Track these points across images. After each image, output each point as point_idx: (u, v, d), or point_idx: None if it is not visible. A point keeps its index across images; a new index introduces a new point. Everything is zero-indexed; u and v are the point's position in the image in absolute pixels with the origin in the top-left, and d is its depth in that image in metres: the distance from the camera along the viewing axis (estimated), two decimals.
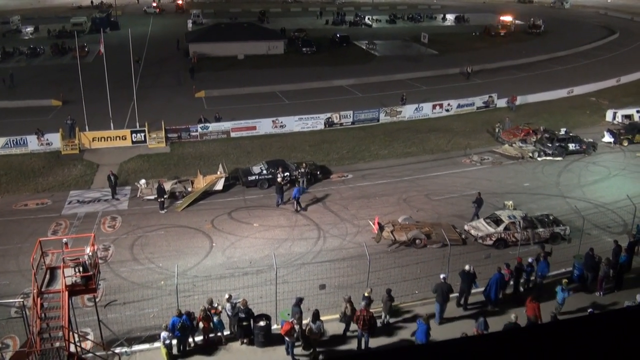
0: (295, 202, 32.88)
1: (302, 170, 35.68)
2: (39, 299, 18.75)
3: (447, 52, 78.26)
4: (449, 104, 51.76)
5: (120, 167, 39.37)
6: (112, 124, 44.23)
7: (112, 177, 34.11)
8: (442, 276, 22.96)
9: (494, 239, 28.77)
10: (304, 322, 21.42)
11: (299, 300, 21.65)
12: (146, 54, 74.57)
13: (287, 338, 20.69)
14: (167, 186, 33.93)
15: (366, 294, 22.08)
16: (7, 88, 57.91)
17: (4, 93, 56.15)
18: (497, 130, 45.16)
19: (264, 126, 46.25)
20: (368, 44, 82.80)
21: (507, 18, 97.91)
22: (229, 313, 21.70)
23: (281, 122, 46.61)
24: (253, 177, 35.84)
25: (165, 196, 32.96)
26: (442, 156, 41.71)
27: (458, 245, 28.26)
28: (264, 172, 35.87)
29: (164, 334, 20.21)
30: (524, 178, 37.76)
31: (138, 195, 34.32)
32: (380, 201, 34.16)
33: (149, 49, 78.13)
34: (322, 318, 21.18)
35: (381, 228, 29.23)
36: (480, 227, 29.38)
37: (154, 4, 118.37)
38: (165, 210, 32.79)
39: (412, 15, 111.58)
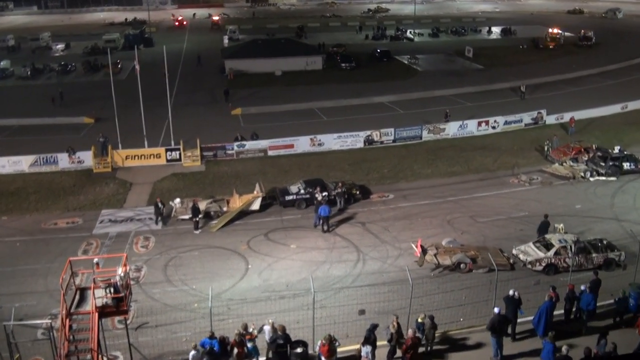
0: (321, 222, 32.94)
1: (339, 189, 35.59)
2: (67, 320, 18.95)
3: (493, 67, 77.68)
4: (495, 121, 51.18)
5: (154, 186, 39.92)
6: (145, 142, 44.97)
7: (160, 205, 33.92)
8: (496, 310, 22.28)
9: (543, 264, 28.12)
10: (355, 347, 21.40)
11: (374, 327, 21.48)
12: (181, 70, 75.84)
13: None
14: (202, 206, 34.21)
15: (420, 320, 21.89)
16: (58, 107, 59.44)
17: (54, 111, 57.53)
18: (546, 148, 44.40)
19: (302, 144, 46.47)
20: (410, 59, 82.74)
21: (556, 30, 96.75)
22: (268, 338, 21.56)
23: (319, 140, 46.75)
24: (290, 197, 35.90)
25: (200, 216, 33.22)
26: (488, 176, 41.16)
27: (506, 270, 27.69)
28: (302, 191, 35.90)
29: (192, 352, 20.20)
30: (576, 199, 36.91)
31: (172, 215, 34.67)
32: (423, 223, 33.82)
33: (184, 65, 79.48)
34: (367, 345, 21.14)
35: (424, 251, 28.90)
36: (530, 252, 28.78)
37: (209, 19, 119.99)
38: (199, 230, 33.03)
39: (456, 28, 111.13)
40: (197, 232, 32.89)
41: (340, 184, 36.09)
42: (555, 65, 78.36)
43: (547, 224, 30.88)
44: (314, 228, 33.27)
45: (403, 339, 21.46)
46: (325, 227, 32.89)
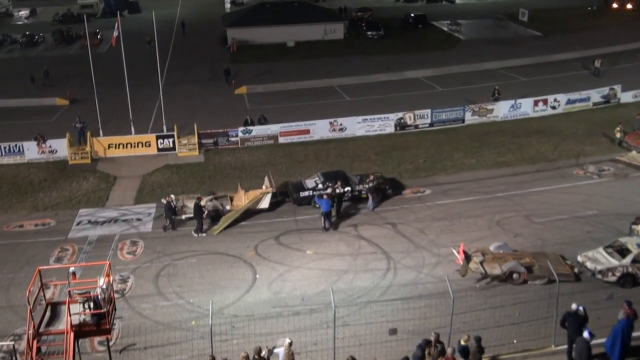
0: (322, 218, 33.16)
1: (370, 184, 35.54)
2: (35, 341, 18.97)
3: (553, 33, 77.09)
4: (555, 100, 50.80)
5: (143, 180, 40.12)
6: (132, 128, 45.26)
7: (173, 204, 33.48)
8: (586, 334, 21.59)
9: (618, 274, 27.72)
10: None
11: (425, 343, 21.44)
12: (174, 41, 76.11)
13: None
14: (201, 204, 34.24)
15: (463, 342, 21.79)
16: (42, 86, 60.10)
17: (20, 92, 57.99)
18: (619, 133, 43.92)
19: (320, 129, 46.53)
20: (450, 25, 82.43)
21: None
22: None
23: (341, 125, 46.76)
24: (306, 193, 35.90)
25: (203, 215, 33.26)
26: (547, 166, 40.86)
27: (569, 281, 27.38)
28: (320, 186, 35.88)
29: None
30: None
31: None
32: (467, 224, 33.65)
33: (177, 35, 79.74)
34: None
35: (468, 258, 28.69)
36: (600, 259, 28.44)
37: None
38: (204, 233, 33.12)
39: None
40: (201, 235, 32.98)
41: (371, 177, 35.99)
42: (632, 31, 77.17)
43: None
44: (332, 230, 33.30)
45: None
46: (327, 225, 33.11)
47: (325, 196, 33.49)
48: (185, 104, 52.66)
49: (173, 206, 33.46)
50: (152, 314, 26.50)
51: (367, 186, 35.59)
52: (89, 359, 22.08)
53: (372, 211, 35.11)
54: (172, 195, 34.59)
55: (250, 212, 34.87)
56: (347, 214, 34.76)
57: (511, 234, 32.30)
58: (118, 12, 61.67)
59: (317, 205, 34.04)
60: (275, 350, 21.77)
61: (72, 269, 21.55)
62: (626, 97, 52.56)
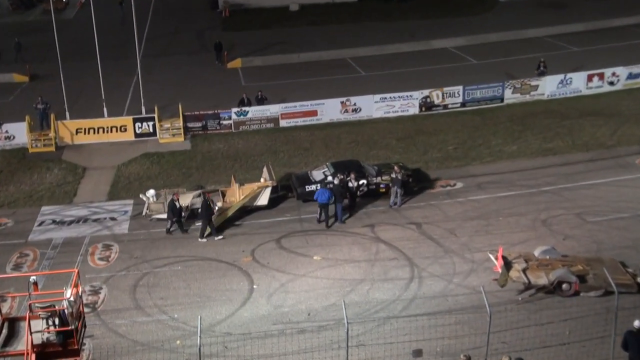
0: (319, 211, 33.43)
1: (396, 175, 35.19)
2: None
3: None
4: (614, 74, 50.69)
5: (118, 171, 40.22)
6: (105, 109, 45.28)
7: (178, 205, 33.30)
8: None
9: None
10: None
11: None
12: (154, 5, 76.05)
13: None
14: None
15: None
16: (13, 62, 60.14)
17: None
18: None
19: (329, 110, 46.55)
20: None
21: None
22: None
23: (354, 105, 46.78)
24: (312, 187, 35.76)
25: (183, 215, 33.31)
26: (604, 154, 40.81)
27: (630, 293, 27.29)
28: (330, 179, 35.82)
29: None
30: None
31: (144, 213, 34.82)
32: (506, 223, 33.61)
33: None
34: None
35: (508, 265, 28.59)
36: None
37: None
38: (205, 238, 32.96)
39: None
40: (202, 240, 32.95)
41: (395, 168, 35.73)
42: None
43: None
44: (345, 232, 33.32)
45: None
46: (323, 217, 33.50)
47: (330, 186, 33.76)
48: (168, 80, 52.70)
49: (178, 206, 33.28)
50: (128, 331, 26.42)
51: (394, 177, 35.23)
52: None
53: (392, 209, 35.02)
54: (178, 190, 34.89)
55: (246, 210, 34.94)
56: (362, 212, 34.69)
57: (560, 235, 32.19)
58: None
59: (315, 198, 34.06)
60: None
61: (33, 278, 21.49)
62: None
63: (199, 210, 33.08)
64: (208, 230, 32.87)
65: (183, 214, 33.56)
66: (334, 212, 34.18)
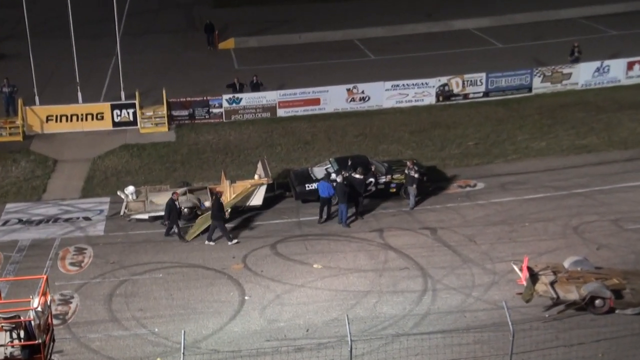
0: (319, 211, 33.73)
1: (413, 173, 35.04)
2: None
3: None
4: None
5: (94, 164, 40.24)
6: (79, 94, 45.36)
7: (178, 206, 33.43)
8: None
9: None
10: None
11: None
12: None
13: None
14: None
15: None
16: None
17: None
18: None
19: (334, 98, 46.63)
20: None
21: None
22: None
23: (362, 93, 46.86)
24: (313, 186, 35.72)
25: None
26: None
27: None
28: (333, 176, 35.65)
29: None
30: None
31: (122, 213, 34.71)
32: (533, 230, 33.59)
33: None
34: None
35: (534, 277, 28.44)
36: None
37: None
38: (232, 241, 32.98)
39: None
40: (231, 243, 32.97)
41: (409, 164, 35.69)
42: None
43: None
44: (350, 237, 33.30)
45: None
46: (325, 217, 33.88)
47: (334, 184, 33.80)
48: (151, 62, 52.77)
49: (177, 206, 33.28)
50: (103, 346, 26.23)
51: (408, 173, 35.18)
52: None
53: (405, 211, 35.04)
54: (178, 190, 34.74)
55: (237, 211, 34.94)
56: (369, 215, 34.54)
57: (594, 245, 32.14)
58: None
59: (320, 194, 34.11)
60: None
61: None
62: None
63: (210, 211, 32.99)
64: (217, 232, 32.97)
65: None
66: (338, 213, 34.23)
